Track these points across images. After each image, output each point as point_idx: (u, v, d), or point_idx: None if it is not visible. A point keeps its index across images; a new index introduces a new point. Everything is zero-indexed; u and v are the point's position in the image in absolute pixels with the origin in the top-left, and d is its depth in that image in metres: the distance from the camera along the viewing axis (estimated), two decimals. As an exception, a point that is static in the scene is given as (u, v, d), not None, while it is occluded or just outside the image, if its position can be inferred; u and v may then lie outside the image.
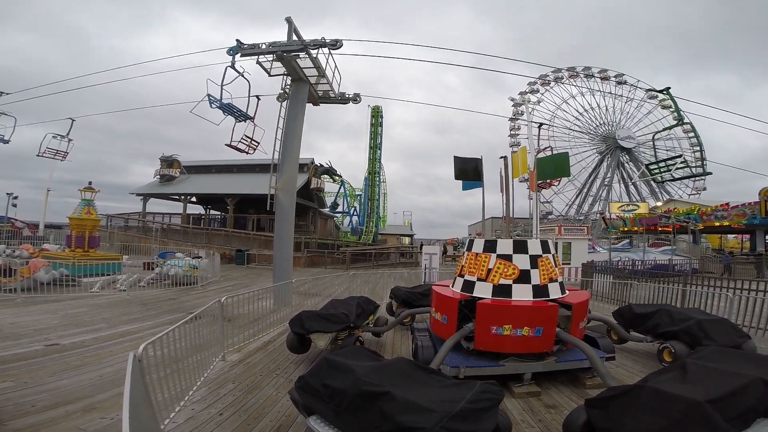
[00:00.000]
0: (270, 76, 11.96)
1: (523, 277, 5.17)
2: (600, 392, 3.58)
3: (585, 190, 49.23)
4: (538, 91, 48.81)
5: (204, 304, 10.00)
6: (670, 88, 10.67)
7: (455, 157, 7.00)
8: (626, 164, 48.23)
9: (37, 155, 23.81)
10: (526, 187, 43.91)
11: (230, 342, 6.26)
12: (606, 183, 47.40)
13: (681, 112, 10.53)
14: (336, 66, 12.73)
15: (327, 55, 11.67)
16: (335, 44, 10.83)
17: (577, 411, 3.54)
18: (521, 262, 5.23)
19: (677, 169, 10.65)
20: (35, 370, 5.00)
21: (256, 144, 15.10)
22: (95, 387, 4.55)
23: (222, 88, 10.57)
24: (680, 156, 10.59)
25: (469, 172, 6.62)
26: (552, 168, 7.03)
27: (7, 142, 21.03)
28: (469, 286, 5.38)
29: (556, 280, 5.50)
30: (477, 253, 5.47)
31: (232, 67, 10.50)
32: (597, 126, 48.59)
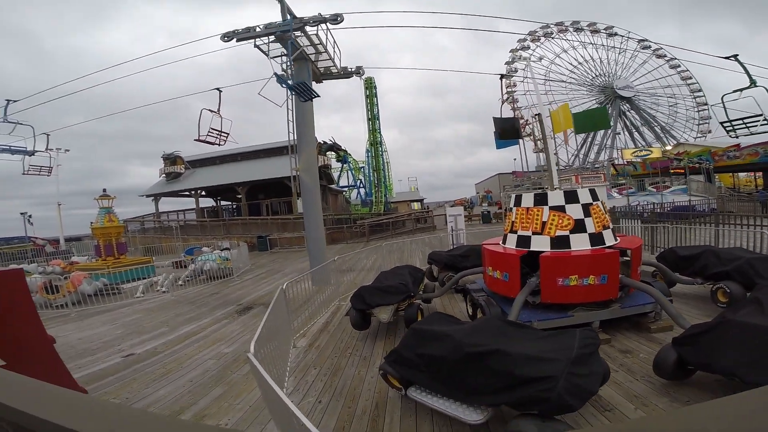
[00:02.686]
0: (270, 58, 11.74)
1: (579, 226, 5.22)
2: (684, 331, 3.71)
3: (589, 139, 48.78)
4: (529, 47, 47.58)
5: (249, 294, 10.40)
6: (738, 54, 10.64)
7: (494, 119, 7.02)
8: (627, 113, 47.83)
9: (23, 173, 23.28)
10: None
11: (293, 328, 6.41)
12: (610, 132, 46.98)
13: (751, 76, 10.58)
14: (335, 41, 12.47)
15: (326, 31, 11.42)
16: (336, 19, 10.49)
17: (665, 350, 3.66)
18: (574, 211, 5.27)
19: (762, 125, 10.72)
20: (128, 384, 5.06)
21: (226, 135, 15.16)
22: (192, 393, 4.63)
23: (291, 67, 10.32)
24: (761, 115, 10.62)
25: (508, 131, 6.64)
26: (591, 121, 7.02)
27: (32, 153, 20.40)
28: (524, 241, 5.45)
29: (609, 227, 5.56)
30: (528, 208, 5.50)
31: (293, 43, 10.20)
32: (594, 77, 47.84)
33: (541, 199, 5.42)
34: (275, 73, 9.17)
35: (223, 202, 34.49)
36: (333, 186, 36.63)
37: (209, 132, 15.17)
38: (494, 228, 21.25)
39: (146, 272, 14.36)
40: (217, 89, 15.01)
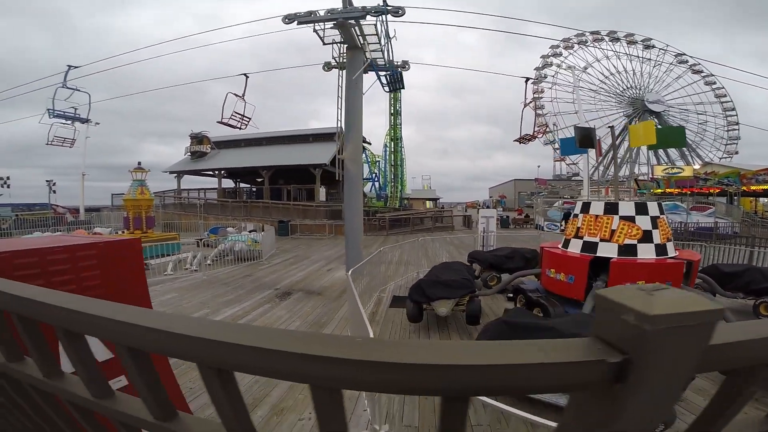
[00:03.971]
0: (324, 44, 11.84)
1: (646, 236, 5.34)
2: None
3: (611, 153, 48.32)
4: (561, 54, 47.01)
5: (283, 279, 10.49)
6: None
7: (575, 127, 7.40)
8: (656, 128, 47.03)
9: (47, 144, 23.43)
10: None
11: (343, 316, 6.47)
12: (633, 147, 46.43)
13: None
14: (387, 33, 12.51)
15: (383, 22, 11.47)
16: (398, 11, 10.53)
17: None
18: (643, 222, 5.39)
19: None
20: (186, 372, 4.27)
21: (248, 120, 15.31)
22: (261, 384, 4.33)
23: (388, 51, 10.83)
24: None
25: (585, 139, 6.82)
26: (668, 138, 7.26)
27: (85, 121, 20.40)
28: (590, 246, 5.55)
29: (671, 240, 5.65)
30: (597, 215, 5.60)
31: (387, 33, 10.32)
32: (624, 89, 47.09)
33: (611, 209, 5.51)
34: (369, 60, 9.28)
35: (242, 185, 34.77)
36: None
37: (232, 115, 15.53)
38: (514, 233, 21.29)
39: (172, 249, 14.36)
40: (244, 75, 15.30)
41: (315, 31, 10.99)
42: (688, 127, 45.80)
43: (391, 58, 11.06)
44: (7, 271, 1.99)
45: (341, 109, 11.33)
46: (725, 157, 41.39)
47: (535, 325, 3.52)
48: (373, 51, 12.72)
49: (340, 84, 11.59)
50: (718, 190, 26.65)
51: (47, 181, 32.02)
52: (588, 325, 3.55)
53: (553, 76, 44.14)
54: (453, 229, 26.24)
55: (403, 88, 10.37)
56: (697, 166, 35.09)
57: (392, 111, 42.10)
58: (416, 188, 63.70)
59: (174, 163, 30.94)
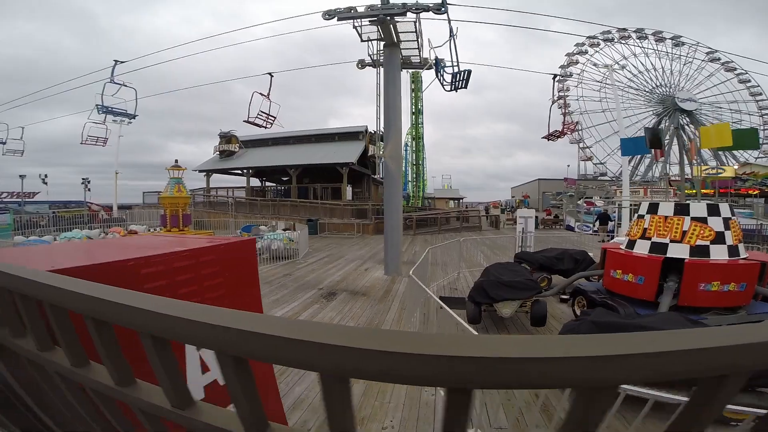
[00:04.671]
0: (362, 41, 11.91)
1: (719, 238, 5.27)
2: None
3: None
4: (586, 52, 45.98)
5: (323, 278, 10.51)
6: None
7: (645, 128, 7.38)
8: (686, 126, 45.50)
9: (81, 143, 24.09)
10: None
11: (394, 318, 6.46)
12: (665, 145, 45.09)
13: None
14: (421, 31, 12.47)
15: (418, 20, 11.43)
16: (439, 9, 10.45)
17: None
18: (716, 224, 5.32)
19: None
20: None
21: (273, 119, 15.43)
22: None
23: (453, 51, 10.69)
24: None
25: (655, 140, 6.76)
26: (741, 140, 7.11)
27: (133, 116, 20.81)
28: (659, 247, 5.47)
29: (742, 241, 5.55)
30: (666, 216, 5.51)
31: (450, 30, 10.34)
32: (653, 87, 45.75)
33: (682, 210, 5.43)
34: (436, 58, 9.33)
35: (268, 183, 35.26)
36: (376, 177, 36.75)
37: (258, 114, 15.77)
38: (548, 233, 20.97)
39: (208, 247, 14.66)
40: (269, 74, 15.55)
41: (355, 27, 11.04)
42: (722, 125, 44.09)
43: (455, 57, 10.90)
44: (137, 284, 1.66)
45: (380, 107, 11.39)
46: (761, 157, 39.78)
47: (629, 325, 3.49)
48: (408, 49, 12.70)
49: (378, 82, 11.65)
50: (756, 191, 25.68)
51: (83, 179, 33.23)
52: (678, 322, 3.50)
53: (578, 75, 43.28)
54: (480, 230, 26.01)
55: (466, 87, 10.20)
56: (736, 166, 33.85)
57: (414, 110, 42.02)
58: (437, 187, 63.38)
59: (203, 162, 31.65)
